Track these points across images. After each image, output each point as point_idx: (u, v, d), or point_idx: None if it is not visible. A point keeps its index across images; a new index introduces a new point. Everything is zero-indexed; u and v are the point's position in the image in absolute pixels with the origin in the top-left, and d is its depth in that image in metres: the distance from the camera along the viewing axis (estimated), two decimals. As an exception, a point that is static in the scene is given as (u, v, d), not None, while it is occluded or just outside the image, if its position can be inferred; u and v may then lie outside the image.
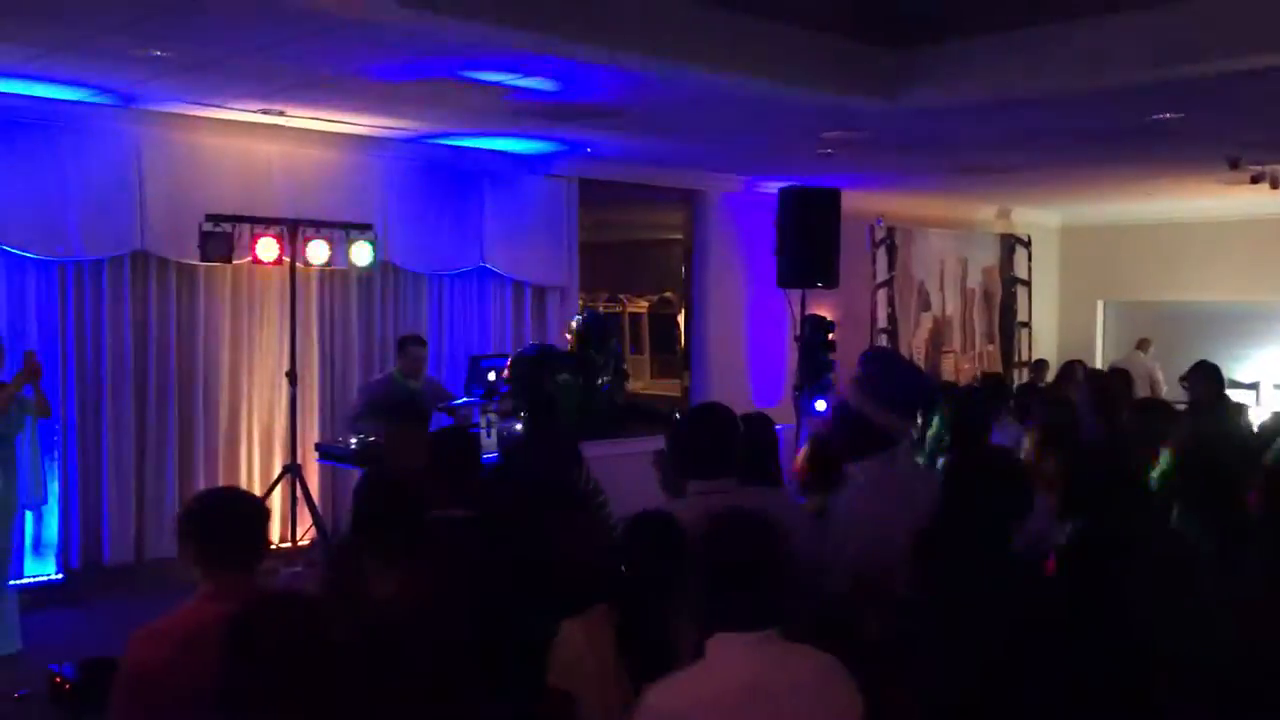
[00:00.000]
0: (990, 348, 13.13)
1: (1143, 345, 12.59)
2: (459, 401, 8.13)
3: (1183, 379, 6.85)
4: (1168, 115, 7.13)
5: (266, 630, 2.29)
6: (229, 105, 7.25)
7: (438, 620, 2.83)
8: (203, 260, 7.41)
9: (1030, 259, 13.48)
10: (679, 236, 11.85)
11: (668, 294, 16.06)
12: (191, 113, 7.44)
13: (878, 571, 3.30)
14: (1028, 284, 13.51)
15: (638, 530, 3.07)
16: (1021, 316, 13.52)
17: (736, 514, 2.52)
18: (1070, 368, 9.60)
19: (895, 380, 3.69)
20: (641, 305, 17.03)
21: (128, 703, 2.65)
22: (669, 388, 14.39)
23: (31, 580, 7.11)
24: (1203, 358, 6.98)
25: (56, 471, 7.35)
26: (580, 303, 10.49)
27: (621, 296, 16.83)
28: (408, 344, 7.80)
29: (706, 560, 2.44)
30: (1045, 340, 14.08)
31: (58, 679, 5.13)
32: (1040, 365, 11.90)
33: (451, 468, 3.85)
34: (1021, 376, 12.80)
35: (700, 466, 3.44)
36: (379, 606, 2.95)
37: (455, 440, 4.16)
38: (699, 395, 10.96)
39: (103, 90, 6.80)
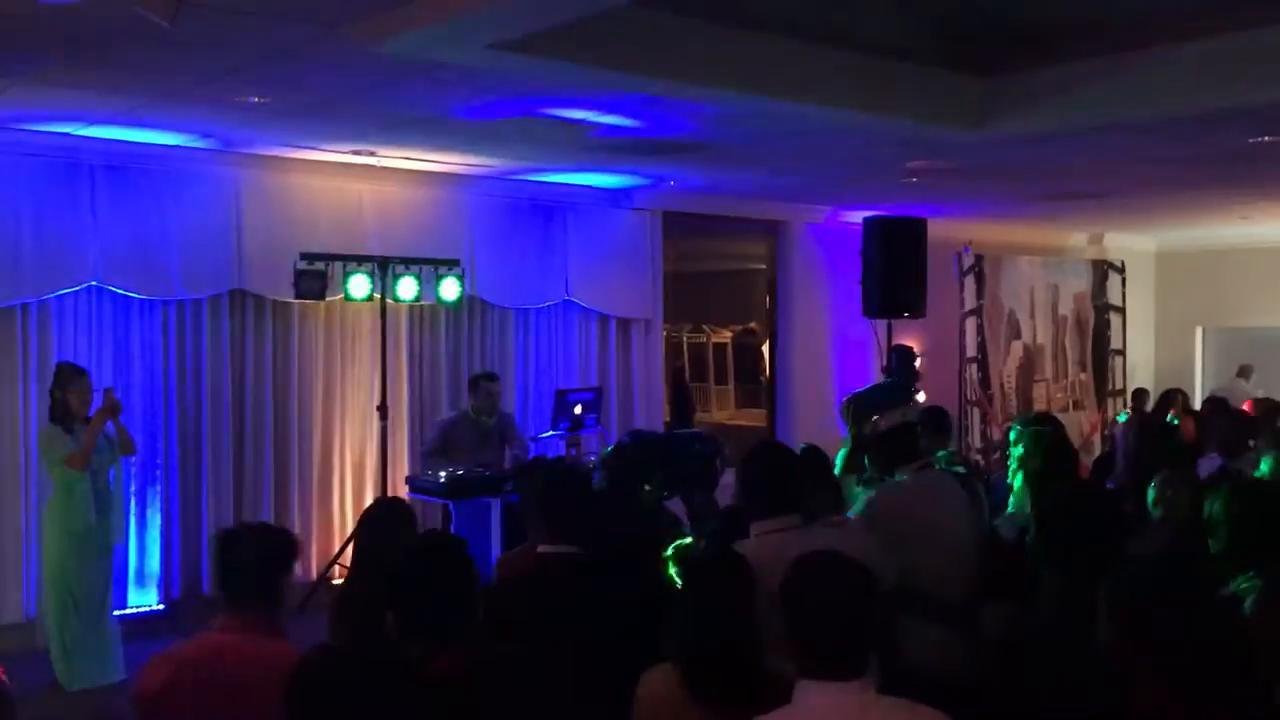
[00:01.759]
0: (1083, 376, 12.82)
1: (1244, 372, 12.20)
2: (545, 435, 8.20)
3: None
4: (1266, 138, 6.94)
5: (324, 688, 2.35)
6: (322, 147, 7.46)
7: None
8: (296, 298, 7.60)
9: (1124, 285, 13.17)
10: (763, 267, 11.83)
11: (752, 325, 16.03)
12: (287, 155, 7.67)
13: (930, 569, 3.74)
14: (1122, 311, 13.19)
15: (705, 573, 3.04)
16: (1115, 344, 13.19)
17: (818, 557, 2.47)
18: (1169, 397, 9.34)
19: (885, 387, 4.61)
20: (725, 335, 17.02)
21: None
22: (754, 418, 14.34)
23: (134, 610, 7.34)
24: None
25: (159, 504, 7.57)
26: (664, 334, 10.51)
27: (705, 327, 16.85)
28: (480, 381, 7.78)
29: (786, 605, 2.40)
30: (1141, 369, 13.71)
31: (160, 708, 5.25)
32: (1140, 395, 11.59)
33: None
34: (1117, 406, 12.51)
35: (760, 506, 3.44)
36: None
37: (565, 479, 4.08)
38: (783, 425, 10.90)
39: (203, 135, 7.05)
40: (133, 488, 7.37)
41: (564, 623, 3.18)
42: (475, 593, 2.86)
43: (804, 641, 2.34)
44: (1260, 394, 11.50)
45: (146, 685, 2.89)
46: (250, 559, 2.96)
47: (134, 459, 7.13)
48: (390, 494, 7.81)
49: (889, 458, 4.16)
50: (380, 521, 3.84)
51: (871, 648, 2.36)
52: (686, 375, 16.04)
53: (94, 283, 7.20)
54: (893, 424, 4.14)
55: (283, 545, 3.05)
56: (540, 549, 3.53)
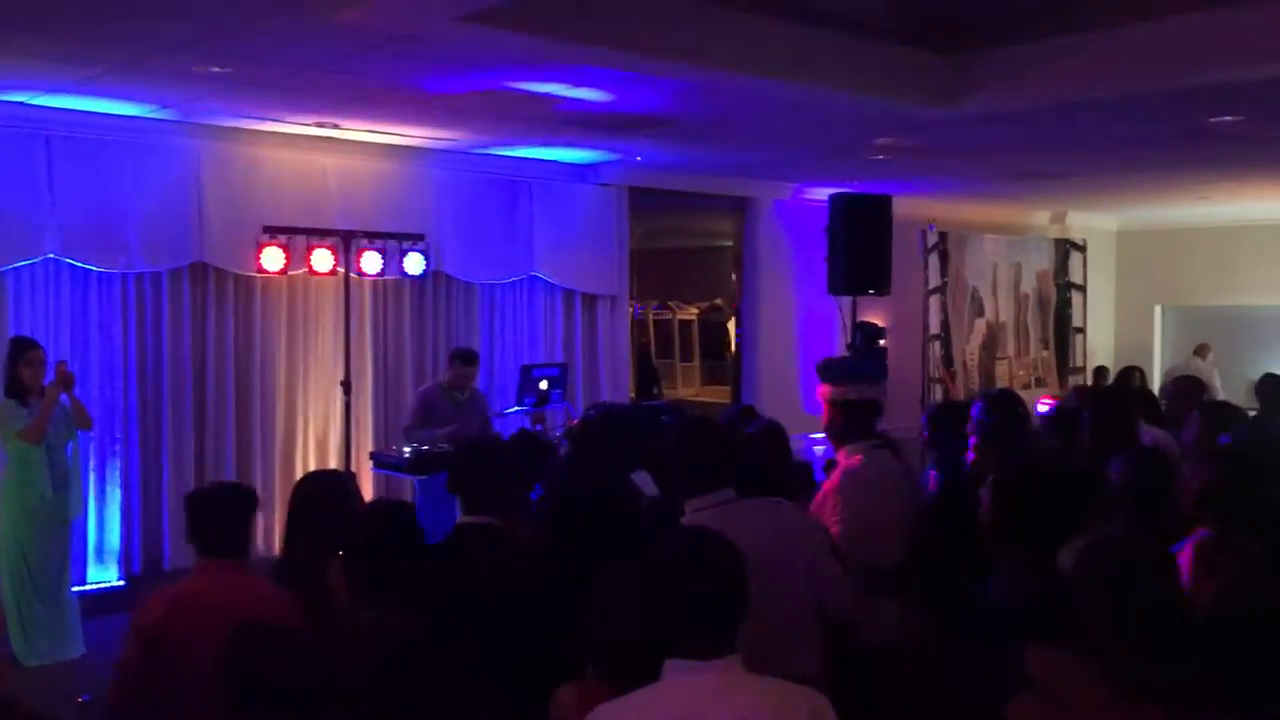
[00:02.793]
0: (1045, 354, 12.95)
1: (1201, 351, 12.37)
2: (510, 410, 8.19)
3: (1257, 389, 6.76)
4: (1227, 118, 7.01)
5: (262, 665, 2.43)
6: (286, 119, 7.36)
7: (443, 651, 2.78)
8: (258, 271, 7.52)
9: (1086, 264, 13.30)
10: (729, 244, 11.85)
11: (718, 301, 16.06)
12: (249, 127, 7.57)
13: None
14: (1083, 289, 13.32)
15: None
16: (1077, 322, 13.32)
17: (684, 535, 2.45)
18: (1127, 374, 9.45)
19: (851, 361, 4.64)
20: (691, 312, 17.04)
21: (133, 649, 3.19)
22: (719, 394, 14.38)
23: (94, 586, 7.27)
24: (1264, 363, 6.87)
25: (119, 479, 7.49)
26: (630, 308, 10.50)
27: (671, 303, 16.85)
28: (456, 361, 7.72)
29: (657, 584, 2.38)
30: (1102, 346, 13.87)
31: (120, 684, 5.22)
32: (1100, 372, 11.73)
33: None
34: (1078, 383, 12.64)
35: (691, 483, 3.41)
36: (379, 638, 2.85)
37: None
38: (748, 402, 10.92)
39: (163, 106, 6.94)
40: (92, 463, 7.29)
41: (468, 590, 3.18)
42: (424, 558, 3.06)
43: (666, 620, 2.32)
44: (1215, 372, 11.71)
45: (146, 620, 3.18)
46: (224, 511, 3.35)
47: (93, 433, 7.06)
48: (355, 469, 7.79)
49: (850, 430, 4.16)
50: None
51: (735, 628, 2.31)
52: (652, 351, 16.05)
53: (51, 255, 7.07)
54: (860, 398, 4.16)
55: (246, 498, 3.48)
56: (459, 520, 3.54)
